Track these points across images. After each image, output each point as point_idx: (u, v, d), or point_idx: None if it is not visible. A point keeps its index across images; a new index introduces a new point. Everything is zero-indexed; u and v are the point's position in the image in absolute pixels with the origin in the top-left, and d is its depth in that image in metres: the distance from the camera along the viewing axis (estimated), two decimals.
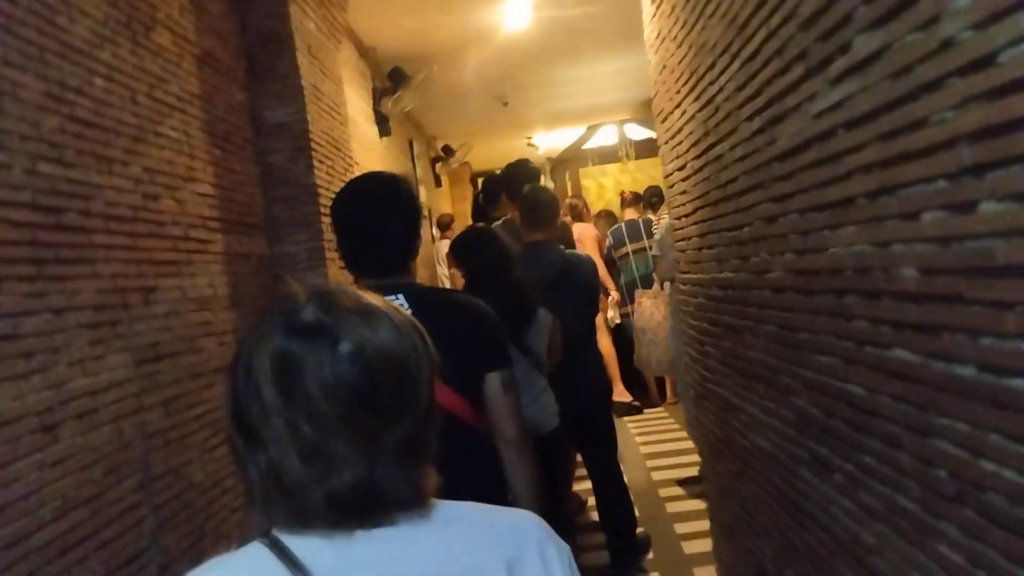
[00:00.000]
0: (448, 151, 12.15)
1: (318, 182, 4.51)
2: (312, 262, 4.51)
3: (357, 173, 5.71)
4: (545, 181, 13.46)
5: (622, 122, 10.40)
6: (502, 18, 7.06)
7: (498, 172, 4.82)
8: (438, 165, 12.15)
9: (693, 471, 5.27)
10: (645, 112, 11.86)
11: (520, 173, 4.59)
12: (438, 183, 12.07)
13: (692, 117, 3.20)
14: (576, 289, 4.01)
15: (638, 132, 9.97)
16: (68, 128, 2.55)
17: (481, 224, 3.72)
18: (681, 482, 5.42)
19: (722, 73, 2.68)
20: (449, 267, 5.62)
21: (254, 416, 0.86)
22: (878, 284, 1.68)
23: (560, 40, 7.75)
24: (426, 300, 2.03)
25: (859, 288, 1.79)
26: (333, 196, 4.79)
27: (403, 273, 2.13)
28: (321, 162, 4.60)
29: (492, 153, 14.15)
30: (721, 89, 2.72)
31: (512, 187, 4.57)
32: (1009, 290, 1.22)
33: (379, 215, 2.08)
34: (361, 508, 0.86)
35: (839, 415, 2.00)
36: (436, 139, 12.40)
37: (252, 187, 4.27)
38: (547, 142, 13.64)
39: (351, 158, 5.35)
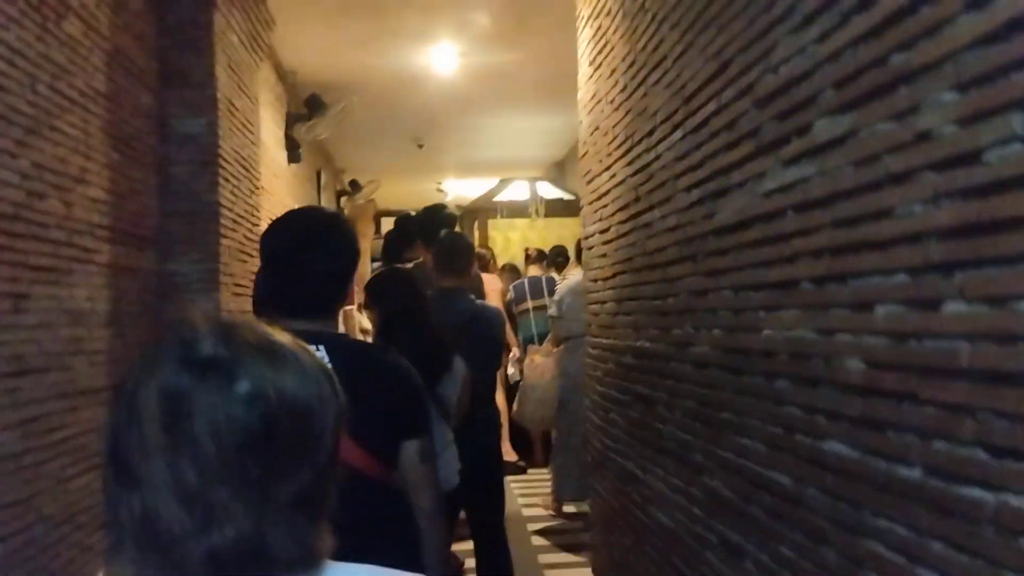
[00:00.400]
0: (355, 186, 11.90)
1: (222, 201, 4.26)
2: (204, 284, 4.23)
3: (262, 197, 5.49)
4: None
5: (534, 179, 10.50)
6: (429, 60, 7.01)
7: (413, 212, 4.68)
8: (343, 199, 11.89)
9: (576, 537, 5.17)
10: (556, 172, 12.04)
11: (438, 217, 4.48)
12: None
13: (622, 181, 3.18)
14: (483, 342, 3.90)
15: (549, 191, 10.06)
16: None
17: (398, 265, 3.56)
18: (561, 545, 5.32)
19: (661, 141, 2.67)
20: (361, 307, 5.37)
21: (132, 453, 0.77)
22: (817, 372, 1.65)
23: (484, 88, 7.76)
24: (349, 354, 1.86)
25: (794, 374, 1.75)
26: (235, 217, 4.60)
27: (327, 320, 1.96)
28: (227, 180, 4.35)
29: (400, 194, 13.99)
30: (658, 157, 2.71)
31: (428, 230, 4.44)
32: (971, 395, 1.18)
33: (312, 254, 1.91)
34: (243, 567, 0.78)
35: (757, 501, 1.95)
36: (344, 172, 12.15)
37: (149, 197, 3.98)
38: (456, 189, 13.60)
39: (258, 180, 5.11)
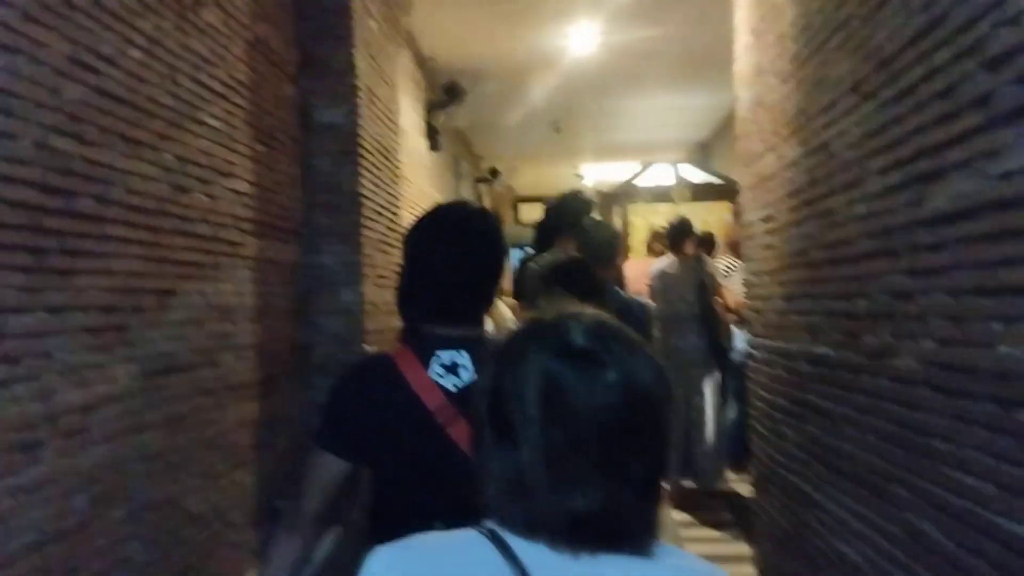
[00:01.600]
0: (494, 173, 11.84)
1: (363, 191, 4.17)
2: (347, 276, 4.17)
3: (404, 185, 5.42)
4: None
5: (677, 162, 10.04)
6: (568, 41, 6.76)
7: (562, 199, 4.40)
8: (481, 186, 11.86)
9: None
10: (700, 154, 11.50)
11: (575, 203, 4.21)
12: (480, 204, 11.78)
13: (793, 163, 2.82)
14: None
15: (694, 174, 9.58)
16: (93, 101, 2.23)
17: (576, 255, 3.31)
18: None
19: (845, 115, 2.30)
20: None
21: (515, 417, 0.88)
22: None
23: (623, 67, 7.45)
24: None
25: None
26: (377, 208, 4.53)
27: (475, 325, 1.77)
28: (368, 170, 4.27)
29: (536, 179, 13.86)
30: (841, 134, 2.35)
31: (565, 219, 4.19)
32: None
33: (462, 253, 1.73)
34: (595, 532, 0.86)
35: (982, 552, 1.60)
36: (483, 159, 12.11)
37: (293, 189, 3.95)
38: (594, 174, 13.31)
39: (399, 169, 5.03)
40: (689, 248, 5.73)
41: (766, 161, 3.14)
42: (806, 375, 2.71)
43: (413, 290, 1.84)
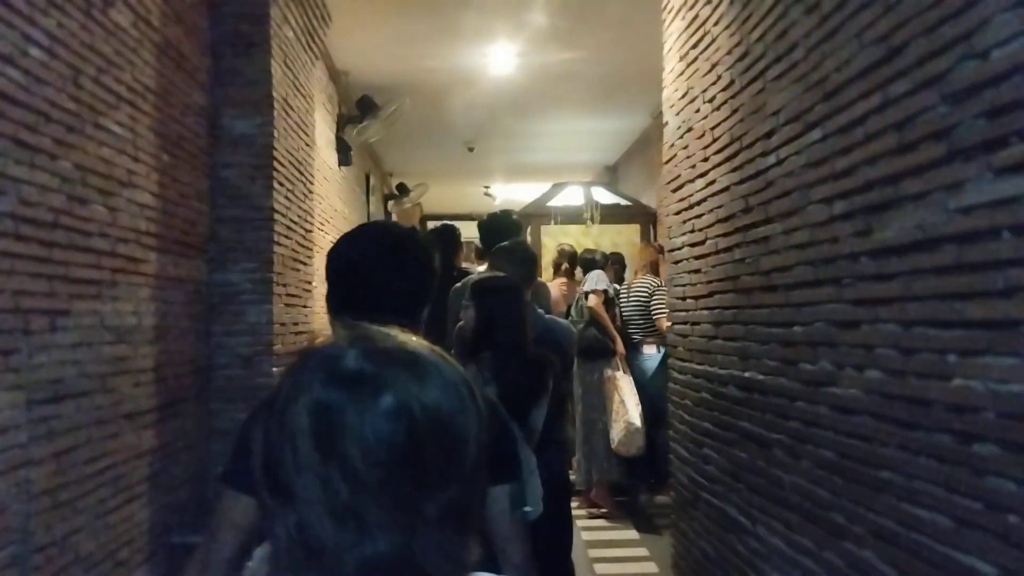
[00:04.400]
0: (403, 189, 11.65)
1: (276, 206, 3.97)
2: (257, 295, 3.95)
3: (316, 201, 5.22)
4: None
5: (587, 184, 10.13)
6: (487, 61, 6.70)
7: (493, 217, 4.32)
8: (390, 203, 11.66)
9: (643, 566, 4.79)
10: (609, 176, 11.66)
11: (505, 224, 4.14)
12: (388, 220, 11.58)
13: (724, 189, 2.82)
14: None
15: (605, 196, 9.68)
16: None
17: (500, 274, 3.22)
18: None
19: (785, 143, 2.30)
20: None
21: (286, 469, 0.79)
22: None
23: (539, 89, 7.45)
24: None
25: (1010, 440, 1.38)
26: (289, 223, 4.32)
27: None
28: (282, 184, 4.07)
29: (446, 197, 13.75)
30: (779, 162, 2.34)
31: (492, 238, 4.11)
32: None
33: (391, 272, 1.67)
34: None
35: None
36: (392, 175, 11.92)
37: (199, 202, 3.71)
38: (504, 193, 13.31)
39: (312, 184, 4.83)
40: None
41: (695, 186, 3.14)
42: (735, 399, 2.70)
43: (339, 308, 1.77)
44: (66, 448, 2.51)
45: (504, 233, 4.14)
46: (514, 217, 4.40)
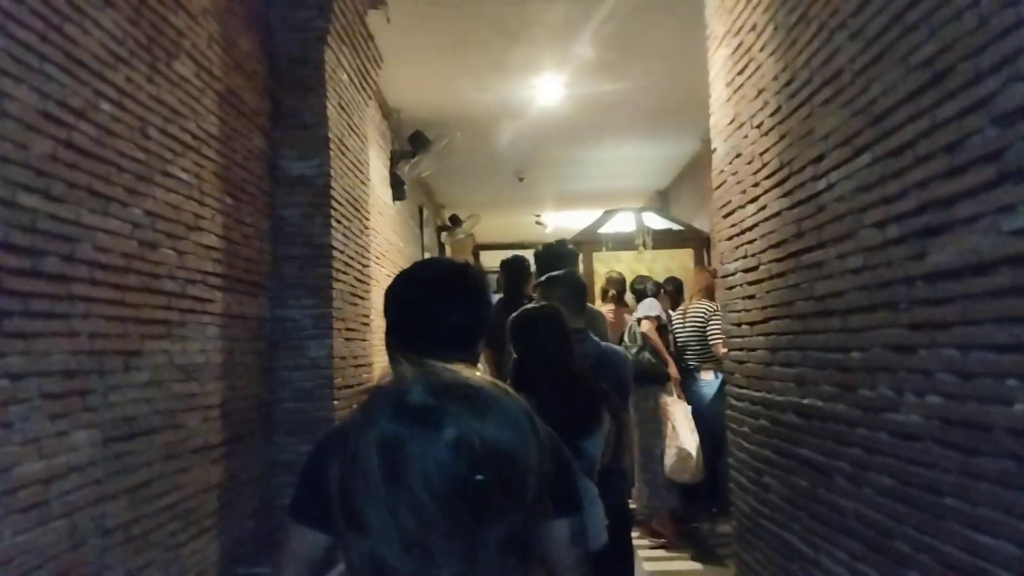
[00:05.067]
0: (456, 221, 11.81)
1: (334, 243, 4.08)
2: (317, 330, 4.05)
3: (371, 236, 5.34)
4: None
5: (639, 209, 10.12)
6: (534, 92, 6.80)
7: (550, 247, 4.39)
8: (443, 234, 11.81)
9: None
10: (660, 202, 11.63)
11: (561, 252, 4.17)
12: (441, 253, 11.72)
13: (776, 214, 2.81)
14: (611, 387, 3.54)
15: (656, 221, 9.65)
16: (62, 155, 2.13)
17: (544, 303, 3.25)
18: None
19: (835, 168, 2.30)
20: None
21: (359, 501, 0.83)
22: None
23: (587, 118, 7.51)
24: None
25: None
26: (347, 259, 4.43)
27: None
28: (339, 221, 4.18)
29: (498, 227, 13.87)
30: (830, 186, 2.34)
31: (549, 267, 4.14)
32: None
33: (448, 307, 1.69)
34: None
35: None
36: (444, 207, 12.08)
37: (261, 242, 3.84)
38: (555, 221, 13.37)
39: (368, 220, 4.95)
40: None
41: (746, 211, 3.13)
42: (793, 426, 2.67)
43: (399, 346, 1.79)
44: (139, 483, 2.61)
45: (559, 263, 4.17)
46: (569, 247, 4.43)
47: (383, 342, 1.87)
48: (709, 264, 7.95)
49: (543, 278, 3.77)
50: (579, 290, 3.58)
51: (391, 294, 1.89)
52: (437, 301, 1.71)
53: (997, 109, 1.50)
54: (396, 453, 0.82)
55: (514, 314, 2.81)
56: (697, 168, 9.25)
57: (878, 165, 2.01)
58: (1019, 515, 1.51)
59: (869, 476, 2.14)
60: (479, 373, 0.91)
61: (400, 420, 0.84)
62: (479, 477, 0.82)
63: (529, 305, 2.96)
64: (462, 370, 0.90)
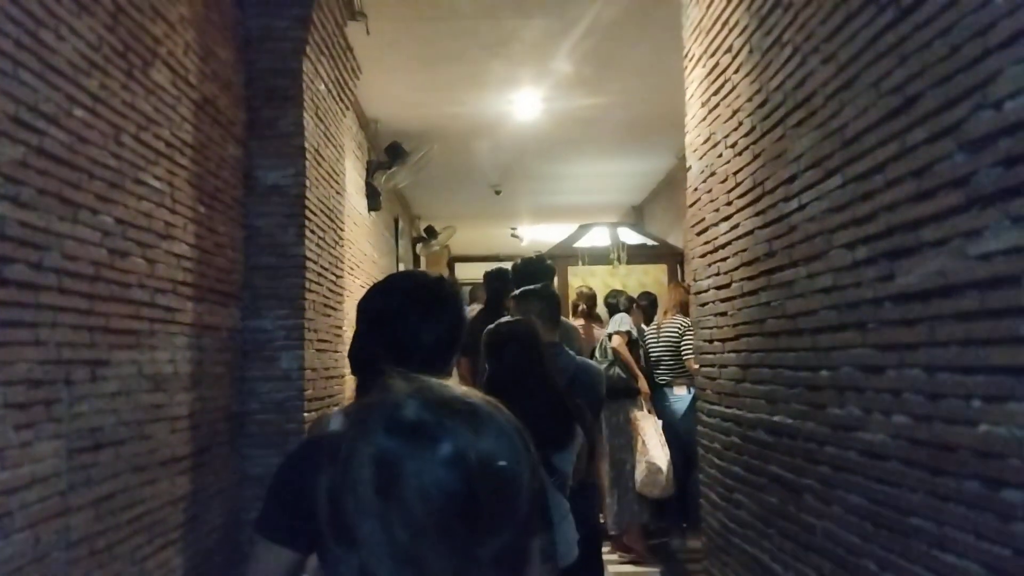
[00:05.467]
0: (431, 232, 11.80)
1: (308, 254, 4.06)
2: (289, 341, 4.02)
3: (346, 247, 5.32)
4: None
5: (614, 224, 10.18)
6: (512, 107, 6.83)
7: (527, 262, 4.40)
8: (419, 246, 11.80)
9: None
10: (635, 217, 11.71)
11: (539, 267, 4.19)
12: (416, 264, 11.70)
13: (749, 232, 2.85)
14: (586, 401, 3.53)
15: (631, 236, 9.72)
16: (32, 162, 2.10)
17: (519, 317, 3.26)
18: None
19: (806, 189, 2.33)
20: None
21: (350, 515, 0.83)
22: None
23: (564, 132, 7.56)
24: None
25: None
26: (320, 270, 4.41)
27: None
28: (313, 232, 4.16)
29: (473, 239, 13.88)
30: (801, 207, 2.37)
31: (525, 281, 4.16)
32: None
33: (421, 321, 1.69)
34: None
35: None
36: (420, 219, 12.07)
37: (233, 251, 3.81)
38: (530, 235, 13.41)
39: (342, 231, 4.93)
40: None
41: (719, 229, 3.16)
42: (764, 443, 2.69)
43: (370, 358, 1.78)
44: (104, 495, 2.57)
45: (536, 277, 4.18)
46: (547, 262, 4.45)
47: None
48: (683, 280, 8.01)
49: (518, 292, 3.79)
50: (554, 304, 3.59)
51: (366, 307, 1.88)
52: (414, 315, 1.71)
53: (965, 135, 1.53)
54: (391, 468, 0.82)
55: (489, 328, 2.81)
56: (672, 184, 9.33)
57: (848, 187, 2.05)
58: (985, 536, 1.54)
59: (837, 494, 2.17)
60: (471, 390, 0.91)
61: (395, 435, 0.84)
62: (475, 493, 0.82)
63: (503, 319, 2.96)
64: (456, 386, 0.90)
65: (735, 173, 2.97)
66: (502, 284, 4.59)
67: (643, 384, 5.74)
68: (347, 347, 4.73)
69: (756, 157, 2.74)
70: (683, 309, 6.00)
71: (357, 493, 0.82)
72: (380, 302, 1.85)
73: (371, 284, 1.88)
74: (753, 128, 2.76)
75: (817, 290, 2.26)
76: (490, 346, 2.71)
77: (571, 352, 3.67)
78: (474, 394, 0.89)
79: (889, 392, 1.87)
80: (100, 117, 2.47)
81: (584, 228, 9.95)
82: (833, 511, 2.19)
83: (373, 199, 7.19)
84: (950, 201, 1.59)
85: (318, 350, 4.31)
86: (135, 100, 2.71)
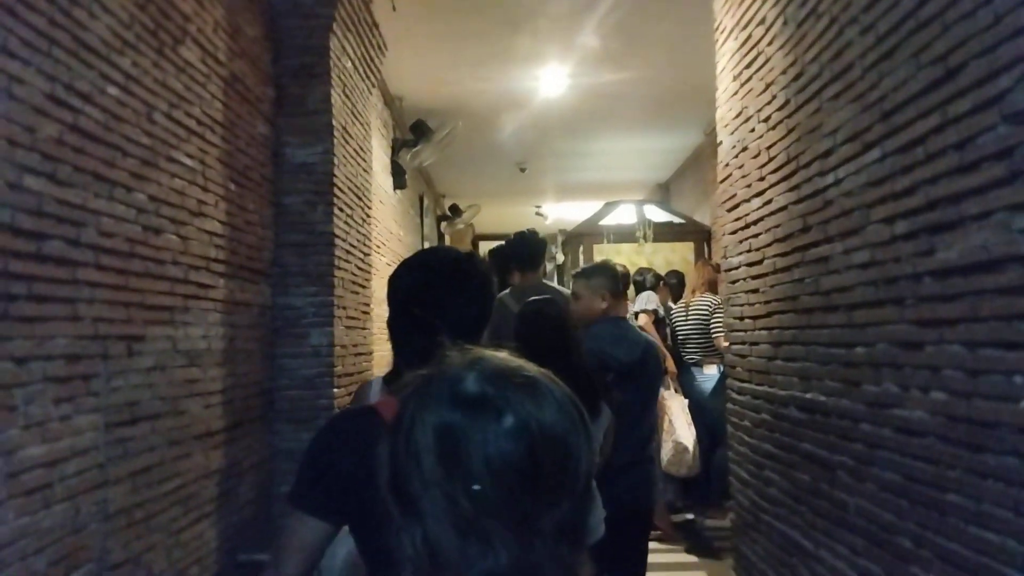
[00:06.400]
0: (455, 211, 11.79)
1: (336, 231, 4.07)
2: (319, 318, 4.05)
3: (373, 225, 5.33)
4: (556, 253, 13.09)
5: (640, 202, 10.09)
6: (538, 83, 6.78)
7: (521, 236, 4.42)
8: (443, 224, 11.80)
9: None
10: (661, 194, 11.61)
11: (532, 242, 4.20)
12: (441, 242, 11.71)
13: (782, 208, 2.81)
14: (652, 378, 3.48)
15: (657, 214, 9.64)
16: (68, 139, 2.12)
17: (547, 296, 3.25)
18: None
19: (844, 163, 2.29)
20: None
21: (413, 486, 0.83)
22: None
23: (589, 109, 7.49)
24: None
25: None
26: (348, 247, 4.42)
27: None
28: (341, 210, 4.18)
29: (497, 217, 13.85)
30: (838, 181, 2.33)
31: (523, 259, 4.17)
32: None
33: (451, 297, 1.69)
34: None
35: None
36: (445, 197, 12.06)
37: (263, 229, 3.83)
38: (555, 212, 13.36)
39: (370, 209, 4.94)
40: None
41: (751, 205, 3.13)
42: (796, 421, 2.67)
43: (402, 331, 1.79)
44: (141, 468, 2.61)
45: (534, 252, 4.18)
46: (540, 236, 4.44)
47: (384, 330, 1.86)
48: (710, 257, 7.94)
49: (583, 268, 3.75)
50: (620, 279, 3.53)
51: (395, 282, 1.88)
52: (445, 291, 1.72)
53: (1009, 107, 1.49)
54: (454, 440, 0.83)
55: (522, 305, 2.81)
56: (699, 161, 9.24)
57: (887, 161, 2.01)
58: (1023, 512, 1.52)
59: (872, 472, 2.15)
60: (527, 361, 0.90)
61: (457, 408, 0.84)
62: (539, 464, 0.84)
63: (535, 297, 2.96)
64: (513, 358, 0.90)
65: (768, 148, 2.93)
66: (502, 261, 4.59)
67: (670, 363, 5.72)
68: (375, 324, 4.76)
69: (790, 131, 2.70)
70: (712, 287, 5.95)
71: (420, 462, 0.83)
72: (410, 278, 1.86)
73: (398, 262, 1.88)
74: (787, 101, 2.72)
75: (853, 266, 2.24)
76: (519, 329, 2.71)
77: (638, 328, 3.62)
78: (530, 366, 0.89)
79: (928, 368, 1.84)
80: (133, 95, 2.48)
81: (610, 206, 9.88)
82: (867, 488, 2.17)
83: (398, 177, 7.19)
84: (993, 174, 1.56)
85: (347, 327, 4.34)
86: (166, 78, 2.73)
